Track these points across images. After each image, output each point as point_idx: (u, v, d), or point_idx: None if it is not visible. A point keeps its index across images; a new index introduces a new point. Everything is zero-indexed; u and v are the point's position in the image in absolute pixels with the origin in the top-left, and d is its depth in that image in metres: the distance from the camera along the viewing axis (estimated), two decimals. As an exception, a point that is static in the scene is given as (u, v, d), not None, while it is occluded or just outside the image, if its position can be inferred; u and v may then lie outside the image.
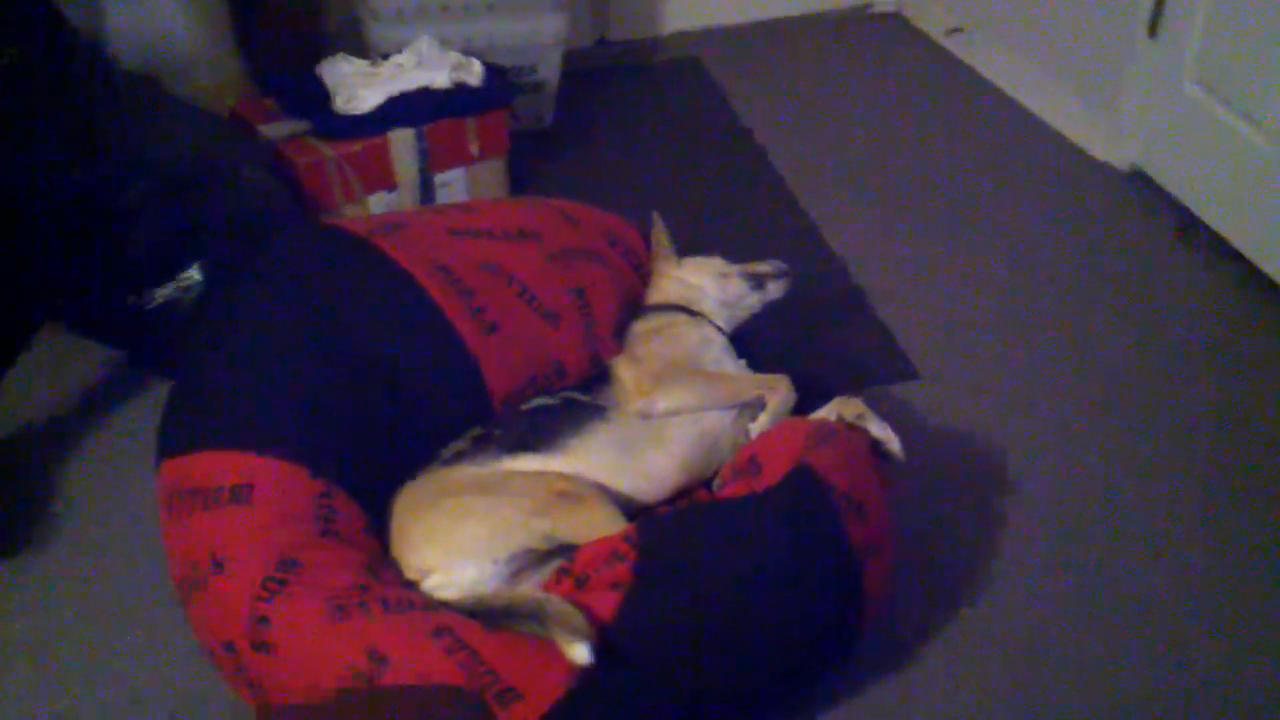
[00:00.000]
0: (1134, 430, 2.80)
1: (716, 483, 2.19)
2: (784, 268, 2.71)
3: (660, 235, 2.74)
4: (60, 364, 2.90)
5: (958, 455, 2.71)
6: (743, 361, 2.50)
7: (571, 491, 2.09)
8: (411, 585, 2.02)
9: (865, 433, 2.20)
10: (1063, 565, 2.44)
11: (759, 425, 2.29)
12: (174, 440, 2.07)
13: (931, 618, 2.30)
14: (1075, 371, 2.98)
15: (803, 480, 1.97)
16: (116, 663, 2.23)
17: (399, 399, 2.26)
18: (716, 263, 2.70)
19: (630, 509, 2.22)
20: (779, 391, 2.33)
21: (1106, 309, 3.21)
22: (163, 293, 2.69)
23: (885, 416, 2.24)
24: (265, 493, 1.96)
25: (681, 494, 2.32)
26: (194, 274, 2.72)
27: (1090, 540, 2.51)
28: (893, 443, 2.20)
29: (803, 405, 2.37)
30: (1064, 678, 2.20)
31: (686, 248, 2.79)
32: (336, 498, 2.03)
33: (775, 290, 2.69)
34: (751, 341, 2.66)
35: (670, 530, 1.98)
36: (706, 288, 2.64)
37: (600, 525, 2.05)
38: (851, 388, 2.56)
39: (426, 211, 2.62)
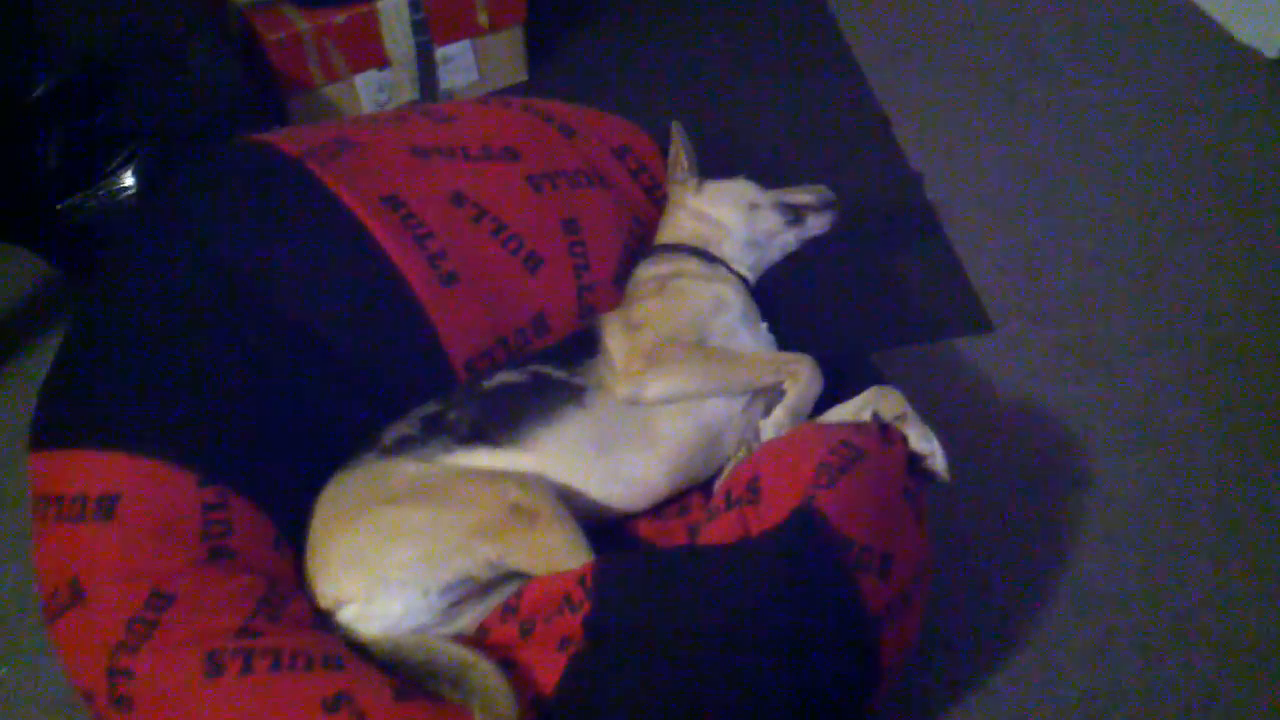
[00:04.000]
0: (1259, 437, 2.23)
1: (709, 509, 1.74)
2: (829, 197, 2.18)
3: (679, 152, 2.21)
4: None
5: (1023, 437, 2.21)
6: (764, 327, 2.01)
7: (528, 506, 1.67)
8: (325, 615, 1.64)
9: (902, 442, 1.72)
10: (1143, 599, 1.97)
11: (773, 423, 1.82)
12: (43, 430, 1.70)
13: (974, 660, 1.88)
14: (1193, 341, 2.41)
15: (807, 529, 1.52)
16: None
17: (331, 374, 1.86)
18: (745, 189, 2.18)
19: (606, 518, 1.82)
20: (800, 377, 1.85)
21: (1241, 244, 2.60)
22: (90, 202, 2.27)
23: (941, 389, 1.75)
24: (135, 506, 1.59)
25: (673, 499, 1.88)
26: (126, 180, 2.28)
27: (1179, 572, 2.02)
28: (936, 458, 1.73)
29: (833, 390, 1.89)
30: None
31: (717, 166, 2.27)
32: (234, 508, 1.66)
33: (816, 226, 2.18)
34: (791, 270, 2.19)
35: (636, 578, 1.56)
36: (730, 223, 2.14)
37: (558, 554, 1.64)
38: (906, 339, 2.08)
39: (387, 122, 2.13)
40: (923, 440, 1.73)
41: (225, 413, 1.71)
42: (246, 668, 1.49)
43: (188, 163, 1.97)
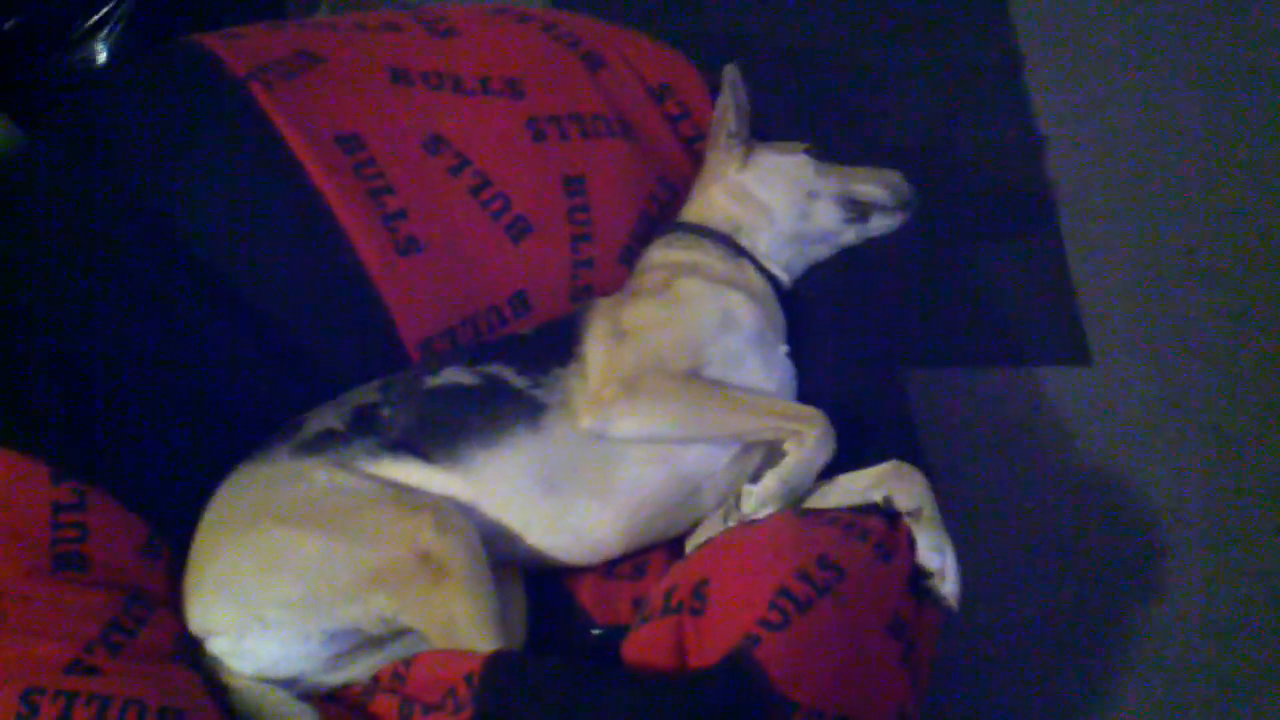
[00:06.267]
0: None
1: (644, 609, 1.41)
2: (906, 194, 1.76)
3: (728, 107, 1.79)
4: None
5: (1094, 513, 1.84)
6: (782, 351, 1.63)
7: (438, 558, 1.39)
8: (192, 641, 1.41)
9: (908, 551, 1.36)
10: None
11: (760, 493, 1.48)
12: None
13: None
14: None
15: (737, 683, 1.20)
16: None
17: (251, 346, 1.60)
18: (803, 170, 1.76)
19: (545, 568, 1.54)
20: (806, 441, 1.48)
21: None
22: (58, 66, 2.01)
23: (1003, 429, 1.44)
24: (-34, 503, 1.35)
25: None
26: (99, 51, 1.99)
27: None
28: (946, 581, 1.38)
29: (850, 453, 1.52)
30: None
31: (780, 114, 1.86)
32: (94, 508, 1.42)
33: (881, 226, 1.76)
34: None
35: (529, 692, 1.28)
36: (778, 210, 1.74)
37: (460, 629, 1.38)
38: (976, 357, 1.67)
39: (372, 28, 1.76)
40: (934, 552, 1.38)
41: (98, 391, 1.45)
42: (64, 718, 1.26)
43: (129, 63, 1.65)
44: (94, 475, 1.43)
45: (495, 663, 1.30)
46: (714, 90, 1.88)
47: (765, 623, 1.24)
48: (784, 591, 1.26)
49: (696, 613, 1.31)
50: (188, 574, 1.47)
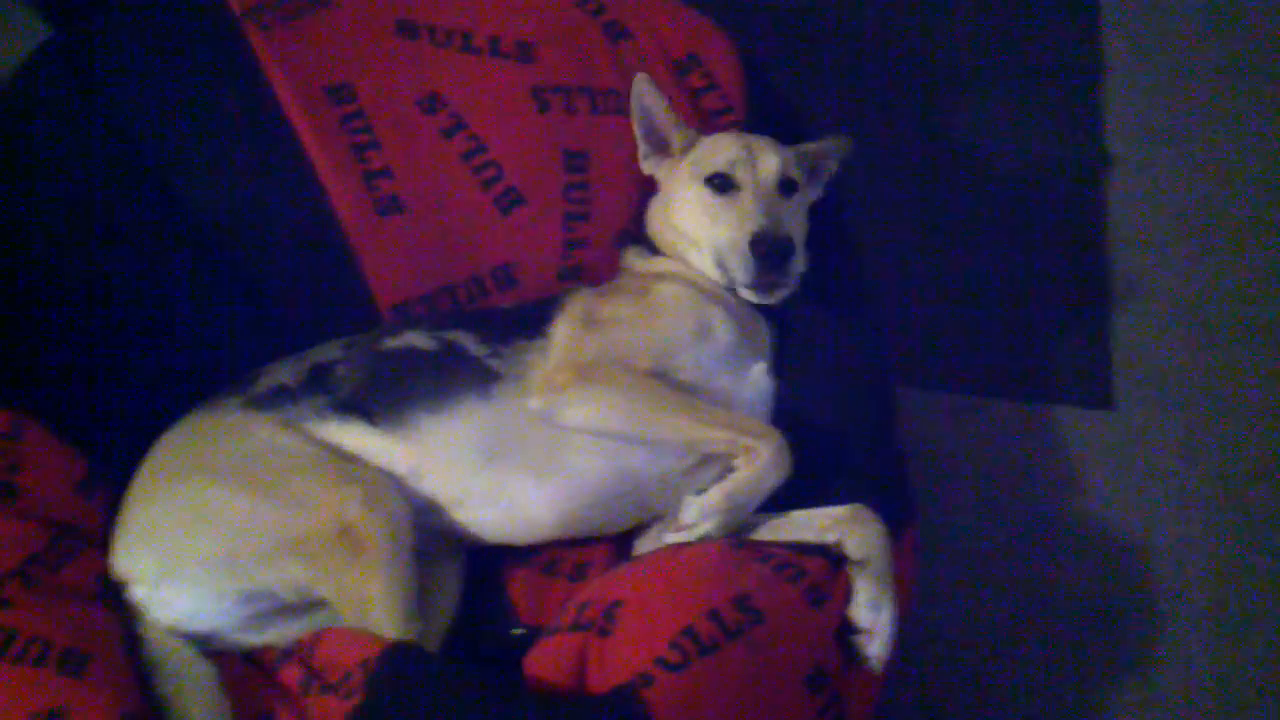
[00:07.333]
0: None
1: (555, 620, 1.34)
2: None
3: (636, 121, 1.65)
4: None
5: (1091, 563, 1.73)
6: (759, 369, 1.53)
7: (360, 534, 1.35)
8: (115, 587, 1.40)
9: (841, 600, 1.28)
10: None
11: (702, 505, 1.39)
12: None
13: None
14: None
15: (617, 720, 1.12)
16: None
17: (218, 292, 1.57)
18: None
19: (477, 543, 1.49)
20: (757, 459, 1.39)
21: None
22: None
23: (1006, 465, 1.43)
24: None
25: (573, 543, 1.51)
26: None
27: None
28: (874, 641, 1.28)
29: (824, 478, 1.42)
30: None
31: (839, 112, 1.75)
32: (29, 439, 1.41)
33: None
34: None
35: (414, 692, 1.22)
36: (696, 238, 1.59)
37: (370, 607, 1.34)
38: (992, 388, 1.56)
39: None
40: (869, 607, 1.30)
41: (48, 319, 1.43)
42: (-30, 643, 1.26)
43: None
44: (36, 406, 1.41)
45: (391, 655, 1.26)
46: (746, 62, 1.79)
47: (662, 661, 1.16)
48: (689, 631, 1.18)
49: (604, 633, 1.25)
50: (118, 518, 1.45)
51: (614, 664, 1.21)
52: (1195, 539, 1.79)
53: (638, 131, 1.64)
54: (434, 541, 1.43)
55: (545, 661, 1.28)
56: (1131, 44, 2.32)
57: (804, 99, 1.76)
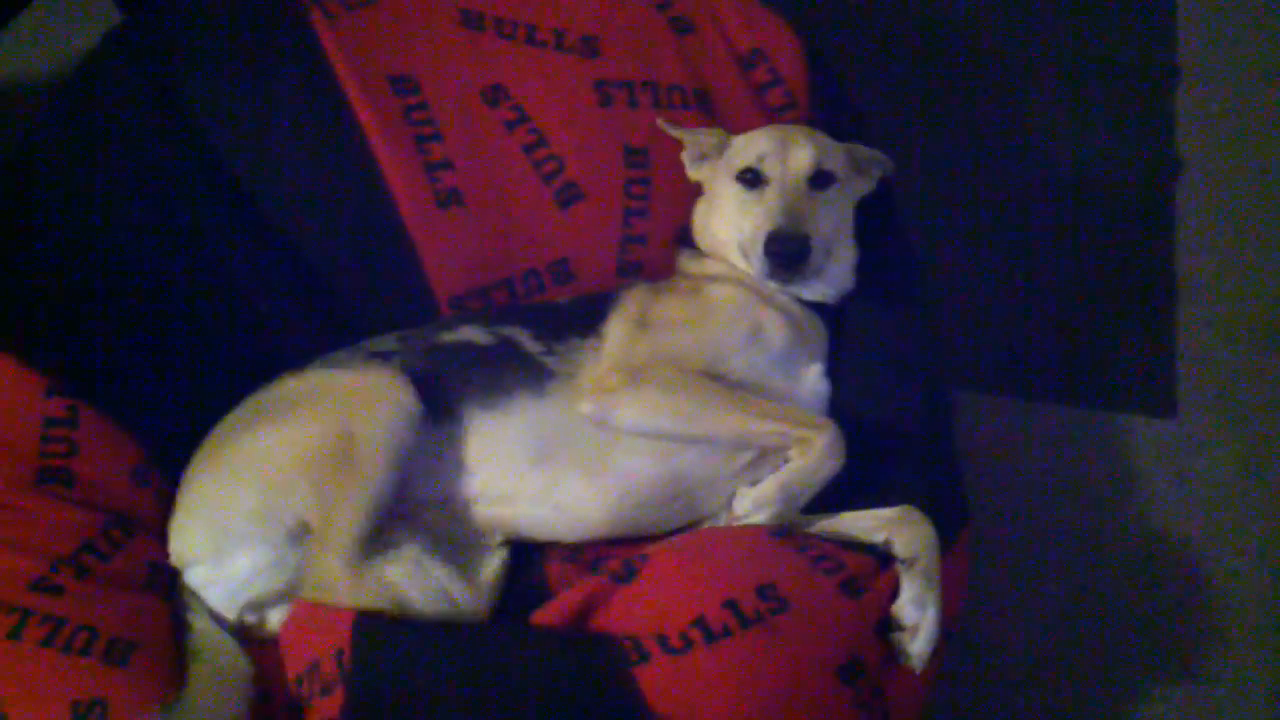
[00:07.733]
0: None
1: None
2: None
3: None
4: None
5: (1149, 581, 1.68)
6: (814, 371, 1.50)
7: (357, 444, 1.35)
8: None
9: (884, 594, 1.26)
10: None
11: (755, 497, 1.37)
12: None
13: None
14: None
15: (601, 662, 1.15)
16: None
17: (281, 281, 1.56)
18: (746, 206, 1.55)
19: (530, 540, 1.46)
20: (812, 450, 1.37)
21: None
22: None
23: (1062, 473, 1.40)
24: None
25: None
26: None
27: None
28: (916, 639, 1.25)
29: (878, 479, 1.39)
30: None
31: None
32: (86, 426, 1.41)
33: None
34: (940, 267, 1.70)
35: (400, 664, 1.21)
36: (730, 243, 1.57)
37: (340, 521, 1.33)
38: (1052, 394, 1.53)
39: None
40: (914, 604, 1.26)
41: (107, 306, 1.43)
42: (14, 634, 1.27)
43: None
44: (92, 394, 1.42)
45: (364, 639, 1.23)
46: (812, 59, 1.76)
47: (665, 642, 1.16)
48: (699, 622, 1.17)
49: (619, 580, 1.25)
50: (174, 508, 1.44)
51: (619, 612, 1.22)
52: (1253, 553, 1.74)
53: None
54: (480, 535, 1.43)
55: (554, 606, 1.26)
56: (1207, 46, 2.27)
57: (871, 96, 1.72)
